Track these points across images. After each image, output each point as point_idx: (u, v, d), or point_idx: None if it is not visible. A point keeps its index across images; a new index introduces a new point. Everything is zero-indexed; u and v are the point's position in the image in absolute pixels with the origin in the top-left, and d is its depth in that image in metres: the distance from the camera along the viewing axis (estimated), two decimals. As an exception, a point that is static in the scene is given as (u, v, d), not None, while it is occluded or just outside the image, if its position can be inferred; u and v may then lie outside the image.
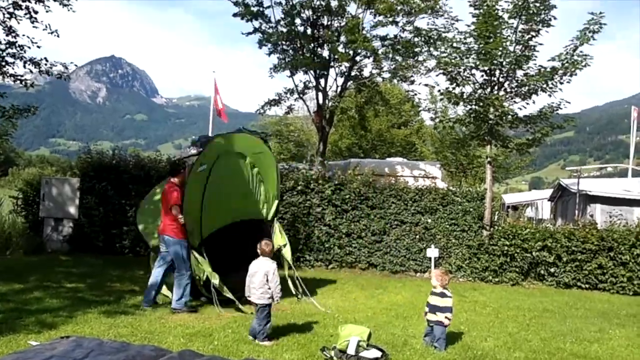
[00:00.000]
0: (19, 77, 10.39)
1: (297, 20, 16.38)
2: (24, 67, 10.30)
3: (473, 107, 14.18)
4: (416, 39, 15.99)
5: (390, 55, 16.72)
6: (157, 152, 15.86)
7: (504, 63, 13.45)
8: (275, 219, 10.23)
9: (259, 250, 7.36)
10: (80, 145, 18.99)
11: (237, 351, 6.51)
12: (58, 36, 10.23)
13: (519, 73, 13.88)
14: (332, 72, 16.83)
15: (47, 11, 10.55)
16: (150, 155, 16.17)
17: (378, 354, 6.48)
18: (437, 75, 14.76)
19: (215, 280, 8.46)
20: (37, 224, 14.87)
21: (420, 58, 16.56)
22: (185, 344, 6.65)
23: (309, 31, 16.66)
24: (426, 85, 18.54)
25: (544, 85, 13.67)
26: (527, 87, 13.83)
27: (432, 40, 14.61)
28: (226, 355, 6.31)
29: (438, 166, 18.85)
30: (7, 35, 10.49)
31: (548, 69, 13.48)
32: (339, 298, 10.57)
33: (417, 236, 14.33)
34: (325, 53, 16.78)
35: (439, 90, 14.77)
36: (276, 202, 10.10)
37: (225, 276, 8.87)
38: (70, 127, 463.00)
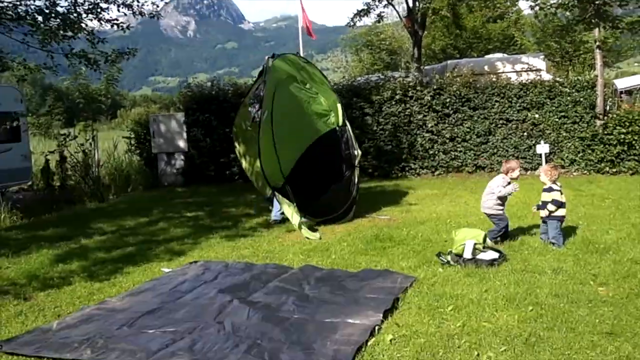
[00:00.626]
0: (115, 22, 10.70)
1: None
2: (118, 10, 10.59)
3: (577, -13, 13.07)
4: None
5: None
6: (253, 78, 16.00)
7: None
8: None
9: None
10: (179, 80, 19.55)
11: (355, 262, 6.70)
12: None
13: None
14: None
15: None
16: (246, 81, 16.38)
17: (495, 255, 6.43)
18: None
19: (296, 221, 8.44)
20: (151, 160, 15.70)
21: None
22: (305, 259, 6.92)
23: None
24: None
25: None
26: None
27: None
28: (344, 267, 6.52)
29: (542, 57, 17.73)
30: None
31: None
32: (448, 203, 10.51)
33: (525, 133, 13.79)
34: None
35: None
36: (338, 105, 9.77)
37: (317, 199, 9.33)
38: (167, 64, 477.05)
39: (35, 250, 8.08)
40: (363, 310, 4.99)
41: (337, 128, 9.79)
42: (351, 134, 9.70)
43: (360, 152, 9.68)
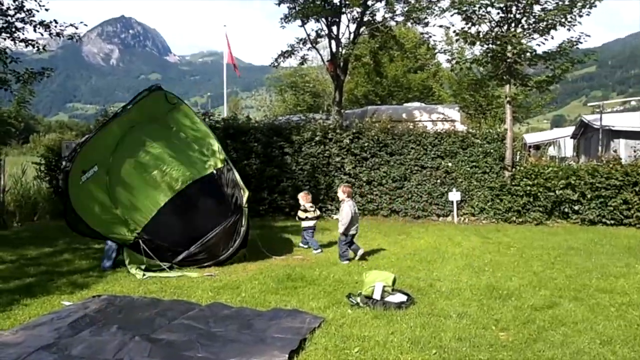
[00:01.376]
0: (31, 42, 10.33)
1: (306, -33, 15.96)
2: (34, 31, 10.23)
3: (490, 46, 13.88)
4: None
5: (402, -2, 16.26)
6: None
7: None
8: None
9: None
10: (98, 108, 19.04)
11: (265, 301, 6.61)
12: (66, -3, 10.10)
13: (536, 8, 13.51)
14: (344, 18, 16.43)
15: (52, -27, 10.43)
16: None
17: (404, 298, 6.53)
18: (451, 16, 14.32)
19: (139, 275, 7.96)
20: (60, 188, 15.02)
21: (434, -1, 16.11)
22: (214, 297, 6.77)
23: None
24: (441, 26, 18.15)
25: (563, 19, 13.29)
26: (545, 23, 13.44)
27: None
28: (254, 306, 6.42)
29: (457, 109, 18.58)
30: (14, 0, 10.40)
31: (566, 2, 13.07)
32: (362, 245, 10.59)
33: (439, 180, 14.27)
34: (336, -1, 16.39)
35: (455, 31, 14.41)
36: (215, 146, 9.15)
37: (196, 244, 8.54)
38: (86, 91, 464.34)
39: None
40: (269, 350, 4.91)
41: (215, 171, 9.06)
42: (236, 174, 9.11)
43: (248, 193, 9.06)
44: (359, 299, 6.53)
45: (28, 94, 14.07)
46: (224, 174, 9.06)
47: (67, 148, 14.56)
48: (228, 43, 23.56)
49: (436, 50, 23.68)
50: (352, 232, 9.06)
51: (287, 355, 4.77)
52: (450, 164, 14.26)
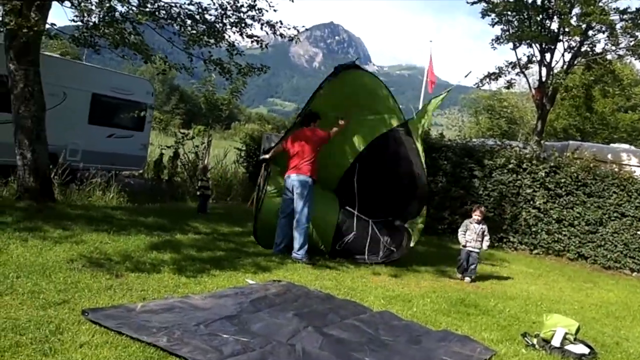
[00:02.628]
0: (255, 38, 11.21)
1: (526, -11, 15.46)
2: (261, 29, 11.08)
3: None
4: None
5: (630, 31, 15.05)
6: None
7: None
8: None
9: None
10: (295, 106, 20.11)
11: (435, 321, 6.49)
12: (293, 1, 10.80)
13: None
14: (559, 46, 15.67)
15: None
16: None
17: (586, 350, 6.03)
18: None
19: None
20: (255, 175, 16.14)
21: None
22: (385, 305, 6.80)
23: (538, 1, 15.63)
24: (668, 65, 16.42)
25: None
26: None
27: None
28: (424, 322, 6.34)
29: (672, 158, 16.73)
30: (247, -2, 11.38)
31: None
32: (542, 285, 10.02)
33: (639, 232, 12.95)
34: (554, 25, 15.62)
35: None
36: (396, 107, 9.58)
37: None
38: (287, 89, 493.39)
39: (134, 233, 8.49)
40: (436, 371, 4.82)
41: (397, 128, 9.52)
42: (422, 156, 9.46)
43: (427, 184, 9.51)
44: (535, 341, 6.15)
45: (242, 84, 15.32)
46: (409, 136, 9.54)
47: (267, 139, 15.58)
48: (430, 59, 23.61)
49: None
50: None
51: (454, 380, 4.64)
52: (656, 216, 12.88)
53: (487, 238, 9.29)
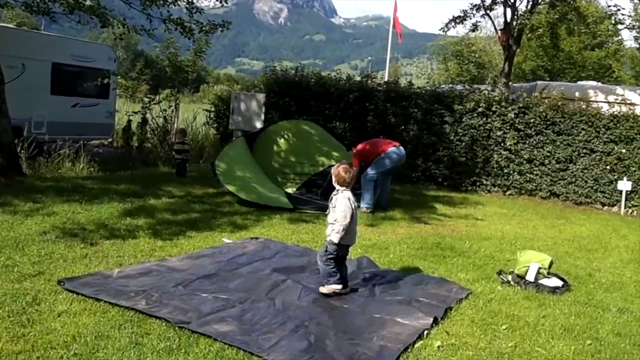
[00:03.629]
0: (214, -7, 10.98)
1: None
2: (219, -17, 10.85)
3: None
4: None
5: (592, -34, 15.00)
6: (337, 71, 16.10)
7: None
8: None
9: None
10: (264, 64, 19.88)
11: (412, 265, 6.61)
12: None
13: None
14: (523, -15, 15.55)
15: None
16: (329, 74, 16.45)
17: (559, 283, 6.20)
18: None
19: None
20: (226, 136, 16.00)
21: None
22: (362, 254, 6.88)
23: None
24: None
25: None
26: None
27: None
28: (401, 268, 6.44)
29: (639, 92, 16.94)
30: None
31: None
32: (516, 225, 10.21)
33: (608, 167, 13.19)
34: (517, -35, 15.50)
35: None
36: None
37: None
38: (254, 48, 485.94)
39: (106, 201, 8.41)
40: (413, 312, 4.91)
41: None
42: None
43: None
44: (510, 277, 6.30)
45: (204, 43, 15.03)
46: None
47: (236, 99, 15.41)
48: (395, 8, 23.30)
49: (623, 26, 21.55)
50: (346, 241, 5.29)
51: (431, 319, 4.74)
52: (624, 150, 13.11)
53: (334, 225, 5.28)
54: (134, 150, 15.15)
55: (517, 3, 15.24)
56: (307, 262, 6.20)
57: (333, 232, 5.19)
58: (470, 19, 16.14)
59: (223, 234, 7.29)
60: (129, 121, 15.67)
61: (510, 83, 15.93)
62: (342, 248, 5.26)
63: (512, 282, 6.21)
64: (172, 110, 15.10)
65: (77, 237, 6.30)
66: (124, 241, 6.37)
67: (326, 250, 5.26)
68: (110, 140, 17.03)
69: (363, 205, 9.60)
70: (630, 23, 19.48)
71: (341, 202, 5.20)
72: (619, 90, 16.10)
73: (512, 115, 13.68)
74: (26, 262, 5.29)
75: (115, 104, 16.43)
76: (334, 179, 5.37)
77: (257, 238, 7.16)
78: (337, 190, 5.32)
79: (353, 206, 5.24)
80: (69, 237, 6.26)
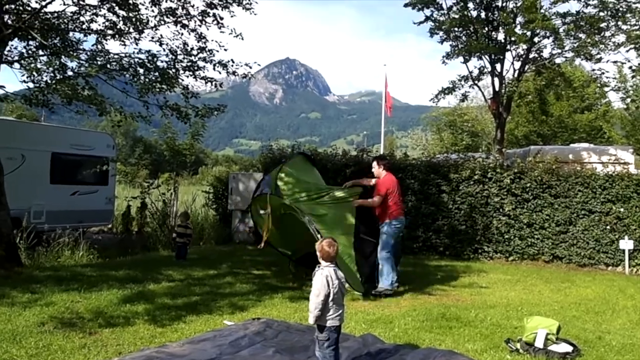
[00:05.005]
0: (210, 79, 11.26)
1: (470, 5, 15.89)
2: (214, 69, 11.15)
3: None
4: (602, 14, 14.71)
5: (573, 33, 15.52)
6: (332, 147, 16.39)
7: None
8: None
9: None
10: (262, 144, 20.20)
11: (418, 339, 6.47)
12: (242, 39, 10.92)
13: None
14: (508, 55, 16.08)
15: (231, 16, 11.34)
16: (326, 150, 16.70)
17: (569, 348, 6.06)
18: (627, 51, 13.43)
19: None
20: (226, 216, 16.06)
21: (607, 34, 15.20)
22: (367, 329, 6.76)
23: (482, 15, 16.06)
24: (615, 62, 16.92)
25: None
26: None
27: (620, 14, 13.30)
28: (407, 342, 6.31)
29: (630, 151, 17.15)
30: (198, 41, 11.46)
31: None
32: (521, 290, 10.08)
33: (608, 227, 13.16)
34: (501, 36, 16.05)
35: (631, 67, 13.45)
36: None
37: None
38: (251, 128, 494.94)
39: (105, 288, 8.33)
40: (423, 388, 4.77)
41: None
42: None
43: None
44: (518, 345, 6.16)
45: (201, 126, 15.32)
46: None
47: (234, 179, 15.57)
48: (386, 83, 23.89)
49: (609, 88, 22.07)
50: (331, 322, 4.89)
51: (441, 395, 4.60)
52: (622, 209, 13.12)
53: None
54: (133, 235, 15.14)
55: (504, 72, 15.68)
56: (311, 341, 6.04)
57: (310, 310, 4.92)
58: (460, 89, 16.57)
59: (224, 316, 7.18)
60: (129, 206, 15.73)
61: (503, 149, 16.15)
62: (328, 330, 4.90)
63: (521, 350, 6.07)
64: (171, 194, 15.19)
65: (76, 327, 6.20)
66: (123, 329, 6.27)
67: (316, 336, 5.01)
68: (109, 226, 17.05)
69: (385, 285, 8.96)
70: (615, 85, 19.97)
71: (317, 280, 4.89)
72: (612, 150, 16.33)
73: (508, 181, 13.78)
74: (23, 355, 5.19)
75: (114, 190, 16.57)
76: (318, 254, 5.03)
77: (259, 318, 7.04)
78: (318, 266, 5.03)
79: (332, 284, 4.84)
80: (67, 327, 6.16)
